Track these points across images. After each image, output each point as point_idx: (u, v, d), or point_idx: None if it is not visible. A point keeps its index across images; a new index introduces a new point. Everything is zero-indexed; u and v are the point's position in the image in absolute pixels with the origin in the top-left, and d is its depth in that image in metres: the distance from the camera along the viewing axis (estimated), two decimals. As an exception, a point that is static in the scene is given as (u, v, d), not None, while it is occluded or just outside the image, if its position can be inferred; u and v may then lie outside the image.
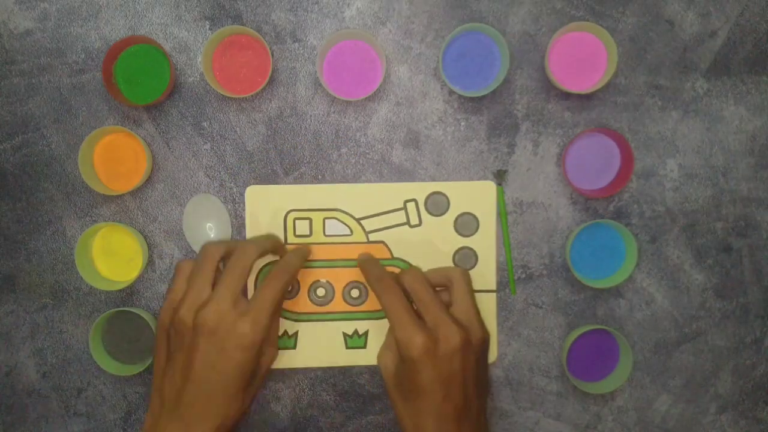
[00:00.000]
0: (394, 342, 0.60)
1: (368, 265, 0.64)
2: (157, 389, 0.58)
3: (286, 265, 0.61)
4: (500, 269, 0.67)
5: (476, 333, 0.60)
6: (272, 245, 0.63)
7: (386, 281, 0.61)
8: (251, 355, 0.57)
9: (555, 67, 0.65)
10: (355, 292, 0.67)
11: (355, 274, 0.66)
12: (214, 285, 0.58)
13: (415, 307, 0.60)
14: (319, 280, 0.67)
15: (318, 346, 0.67)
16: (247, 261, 0.59)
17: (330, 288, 0.67)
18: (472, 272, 0.66)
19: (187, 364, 0.57)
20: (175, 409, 0.56)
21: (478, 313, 0.61)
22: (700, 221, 0.66)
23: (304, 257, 0.64)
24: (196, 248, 0.66)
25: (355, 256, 0.66)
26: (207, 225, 0.66)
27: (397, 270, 0.66)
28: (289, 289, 0.67)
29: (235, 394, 0.57)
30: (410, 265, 0.66)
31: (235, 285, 0.58)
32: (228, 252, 0.60)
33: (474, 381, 0.59)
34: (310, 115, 0.66)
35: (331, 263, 0.67)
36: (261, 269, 0.67)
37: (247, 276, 0.59)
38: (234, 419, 0.58)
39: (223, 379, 0.56)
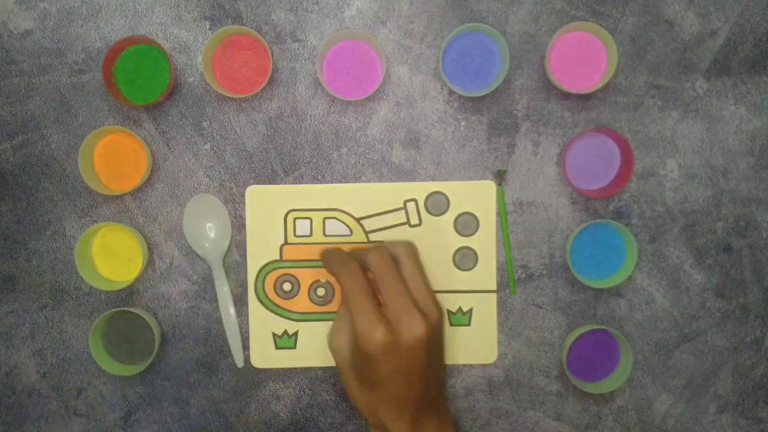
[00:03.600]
0: (348, 324, 0.58)
1: (328, 253, 0.62)
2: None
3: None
4: (500, 269, 0.67)
5: (434, 316, 0.57)
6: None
7: (349, 265, 0.58)
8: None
9: (555, 67, 0.65)
10: (355, 292, 0.67)
11: (355, 274, 0.66)
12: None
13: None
14: (319, 280, 0.67)
15: (318, 346, 0.67)
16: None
17: (330, 288, 0.67)
18: (472, 272, 0.66)
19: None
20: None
21: (431, 292, 0.59)
22: (700, 221, 0.66)
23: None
24: (196, 248, 0.66)
25: (355, 256, 0.66)
26: (207, 225, 0.66)
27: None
28: (289, 289, 0.67)
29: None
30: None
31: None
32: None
33: (434, 366, 0.58)
34: (310, 115, 0.66)
35: (331, 263, 0.67)
36: (261, 269, 0.67)
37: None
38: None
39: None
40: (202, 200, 0.66)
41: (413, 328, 0.55)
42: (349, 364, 0.59)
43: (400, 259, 0.59)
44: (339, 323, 0.60)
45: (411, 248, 0.60)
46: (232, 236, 0.66)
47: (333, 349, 0.60)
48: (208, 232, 0.66)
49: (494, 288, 0.67)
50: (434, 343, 0.57)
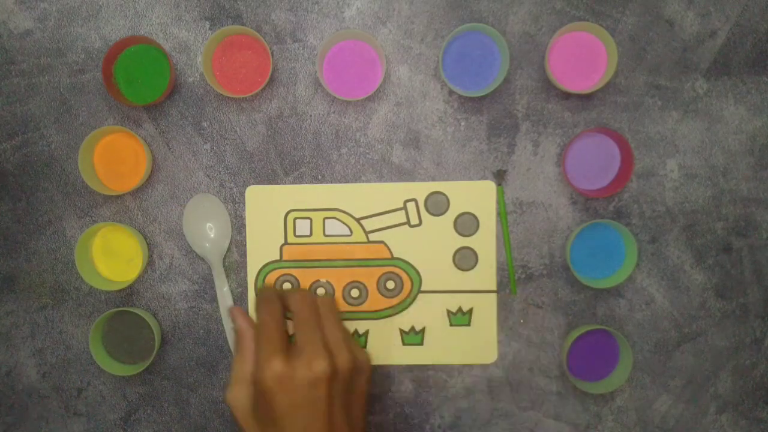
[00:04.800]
0: (242, 375, 0.56)
1: (260, 291, 0.60)
2: None
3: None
4: (500, 269, 0.67)
5: (343, 360, 0.55)
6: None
7: (271, 303, 0.58)
8: None
9: (555, 67, 0.65)
10: (355, 292, 0.67)
11: (355, 274, 0.67)
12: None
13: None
14: (319, 280, 0.67)
15: (318, 346, 0.67)
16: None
17: (330, 288, 0.67)
18: (472, 272, 0.66)
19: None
20: None
21: (347, 338, 0.57)
22: (700, 221, 0.66)
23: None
24: (196, 248, 0.66)
25: (355, 256, 0.66)
26: (207, 225, 0.66)
27: (396, 269, 0.66)
28: (289, 289, 0.67)
29: None
30: (410, 264, 0.66)
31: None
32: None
33: (343, 411, 0.55)
34: (310, 115, 0.66)
35: (331, 263, 0.67)
36: (261, 269, 0.67)
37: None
38: None
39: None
40: (202, 200, 0.66)
41: (313, 363, 0.53)
42: (249, 412, 0.55)
43: (320, 305, 0.58)
44: (233, 375, 0.57)
45: (330, 299, 0.60)
46: (232, 236, 0.66)
47: (229, 403, 0.56)
48: (208, 232, 0.66)
49: (494, 288, 0.67)
50: (342, 388, 0.55)
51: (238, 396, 0.56)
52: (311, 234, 0.67)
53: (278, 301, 0.58)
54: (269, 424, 0.54)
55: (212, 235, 0.66)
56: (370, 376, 0.59)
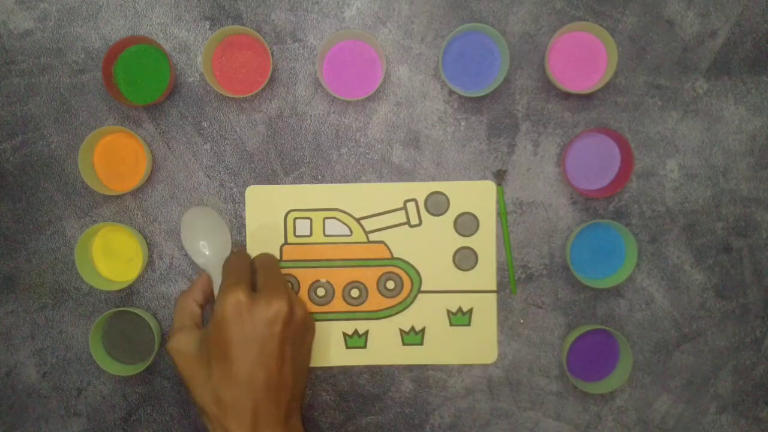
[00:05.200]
0: (182, 323, 0.58)
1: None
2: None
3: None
4: (500, 269, 0.67)
5: (300, 309, 0.57)
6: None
7: (239, 252, 0.63)
8: None
9: (555, 67, 0.65)
10: (355, 292, 0.67)
11: (355, 274, 0.67)
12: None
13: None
14: (319, 280, 0.67)
15: (318, 346, 0.67)
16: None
17: (330, 288, 0.67)
18: (472, 272, 0.66)
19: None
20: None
21: (297, 297, 0.60)
22: (700, 221, 0.66)
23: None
24: (196, 259, 0.64)
25: (355, 256, 0.66)
26: (201, 243, 0.64)
27: (396, 269, 0.66)
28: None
29: None
30: (410, 264, 0.66)
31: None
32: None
33: (291, 361, 0.56)
34: (310, 115, 0.66)
35: (331, 263, 0.67)
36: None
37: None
38: None
39: None
40: (198, 214, 0.64)
41: (273, 300, 0.55)
42: (193, 356, 0.56)
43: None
44: (173, 326, 0.60)
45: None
46: (231, 236, 0.66)
47: (171, 351, 0.57)
48: (202, 249, 0.64)
49: (494, 288, 0.67)
50: (294, 336, 0.56)
51: (182, 341, 0.57)
52: (311, 234, 0.67)
53: (248, 256, 0.62)
54: (218, 359, 0.54)
55: (207, 252, 0.63)
56: (313, 338, 0.62)
